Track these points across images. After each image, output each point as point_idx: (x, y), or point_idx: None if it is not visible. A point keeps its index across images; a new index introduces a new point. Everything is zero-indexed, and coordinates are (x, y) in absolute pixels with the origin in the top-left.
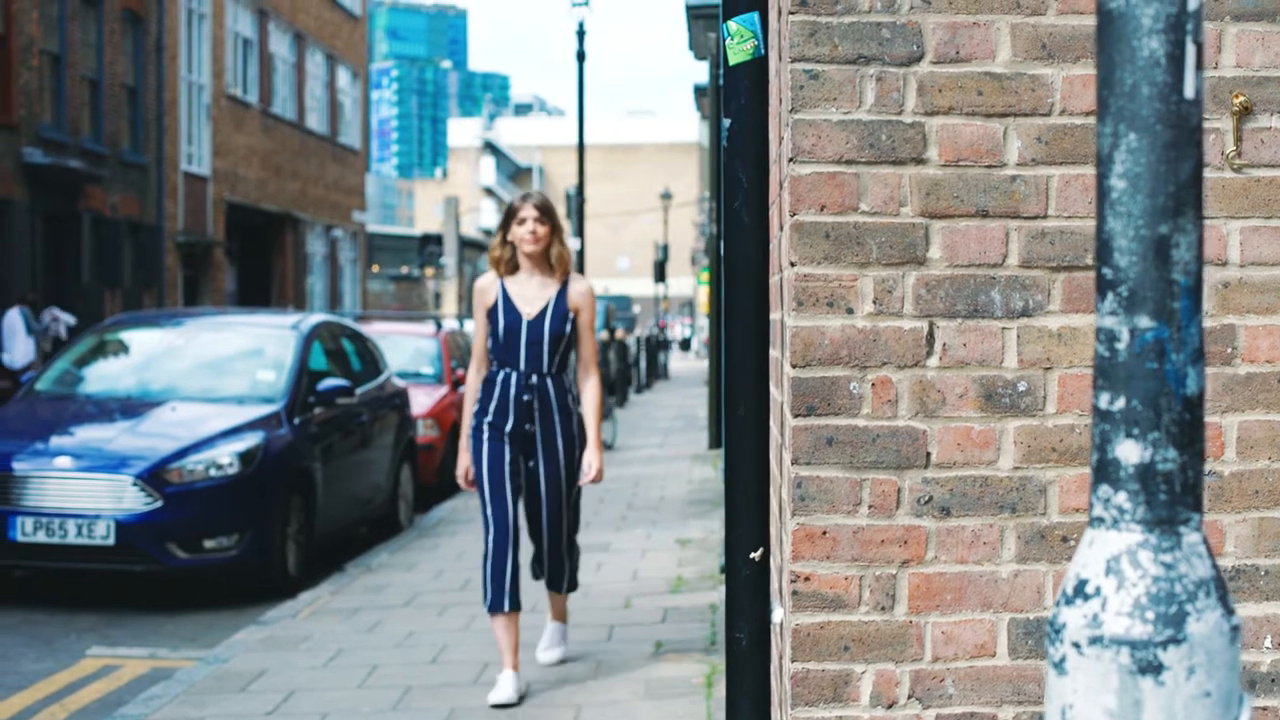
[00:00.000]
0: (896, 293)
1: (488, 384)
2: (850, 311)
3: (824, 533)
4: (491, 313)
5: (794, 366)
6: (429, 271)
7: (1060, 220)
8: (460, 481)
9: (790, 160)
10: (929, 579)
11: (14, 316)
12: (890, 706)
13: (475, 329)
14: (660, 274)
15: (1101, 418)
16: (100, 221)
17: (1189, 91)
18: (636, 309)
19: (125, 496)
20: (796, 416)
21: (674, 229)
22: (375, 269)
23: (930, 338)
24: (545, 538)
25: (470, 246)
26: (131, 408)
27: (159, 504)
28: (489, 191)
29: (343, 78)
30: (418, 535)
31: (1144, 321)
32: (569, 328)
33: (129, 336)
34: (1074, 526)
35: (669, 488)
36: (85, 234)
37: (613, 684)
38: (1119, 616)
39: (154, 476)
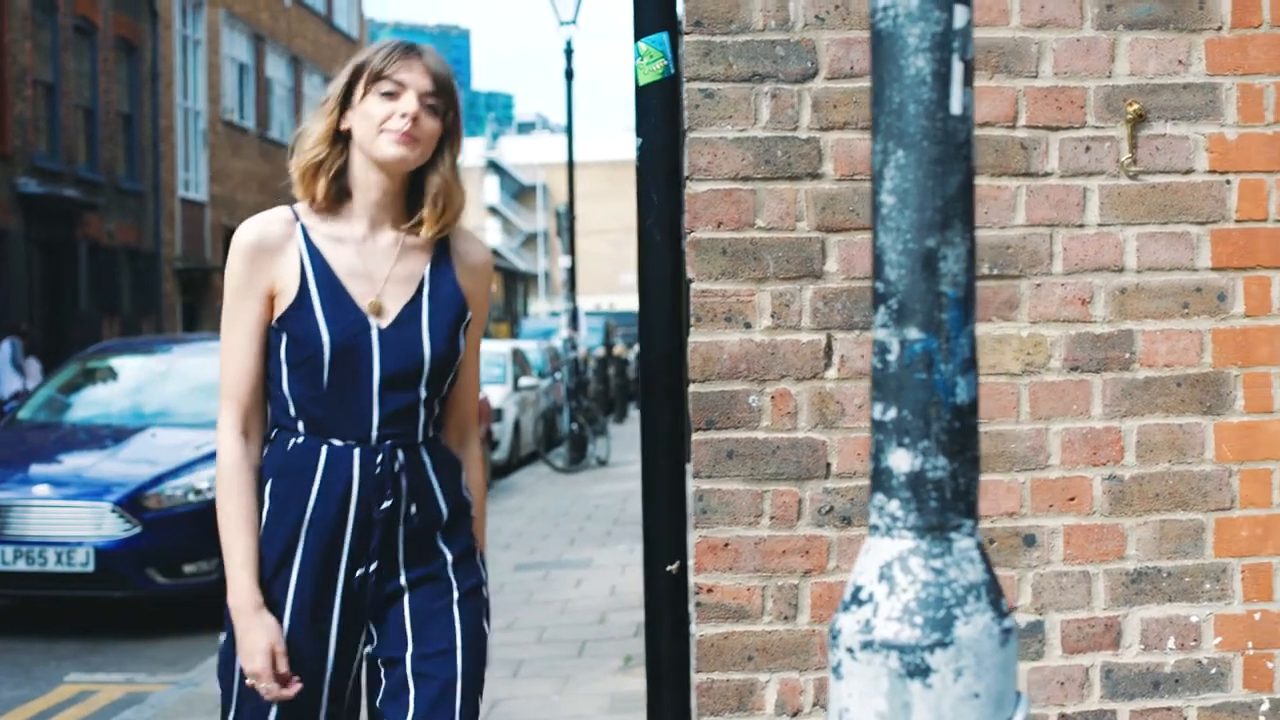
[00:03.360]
0: (794, 306)
1: (287, 474)
2: (748, 326)
3: (726, 544)
4: (291, 311)
5: (693, 381)
6: None
7: None
8: (259, 683)
9: (687, 178)
10: (831, 588)
11: (4, 348)
12: (795, 715)
13: (229, 341)
14: None
15: (876, 428)
16: (97, 249)
17: (956, 108)
18: None
19: (104, 523)
20: (697, 430)
21: None
22: None
23: (829, 349)
24: None
25: None
26: (112, 434)
27: (138, 530)
28: (493, 210)
29: None
30: None
31: (913, 333)
32: (461, 341)
33: (112, 363)
34: None
35: None
36: (82, 262)
37: (578, 698)
38: (889, 621)
39: (132, 503)
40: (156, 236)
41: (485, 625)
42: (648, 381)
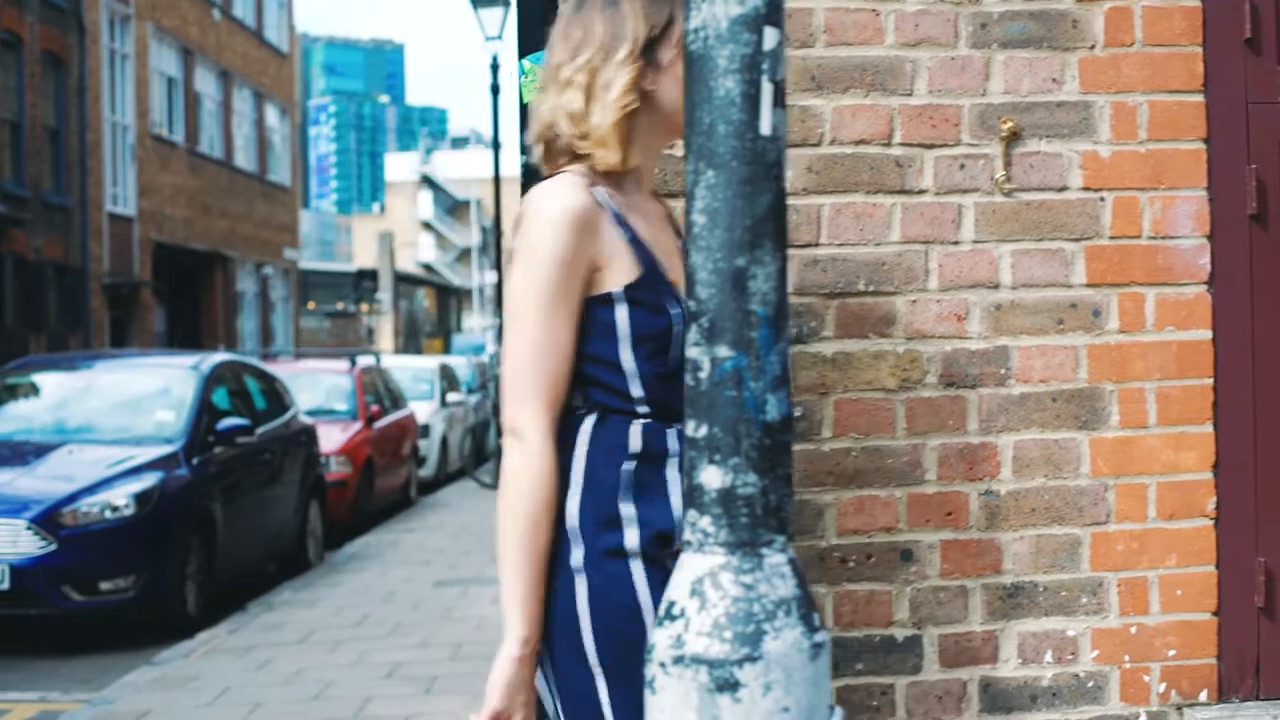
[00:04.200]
0: None
1: (647, 459)
2: None
3: None
4: (641, 280)
5: None
6: (364, 307)
7: (832, 248)
8: None
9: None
10: None
11: None
12: None
13: (542, 334)
14: None
15: (690, 445)
16: (23, 265)
17: (765, 129)
18: None
19: (20, 541)
20: None
21: None
22: (311, 305)
23: None
24: None
25: (406, 281)
26: (30, 451)
27: (54, 547)
28: (427, 225)
29: (271, 115)
30: (325, 572)
31: (723, 351)
32: None
33: (34, 379)
34: (852, 549)
35: None
36: (8, 277)
37: None
38: (699, 636)
39: (48, 520)
40: (84, 252)
41: None
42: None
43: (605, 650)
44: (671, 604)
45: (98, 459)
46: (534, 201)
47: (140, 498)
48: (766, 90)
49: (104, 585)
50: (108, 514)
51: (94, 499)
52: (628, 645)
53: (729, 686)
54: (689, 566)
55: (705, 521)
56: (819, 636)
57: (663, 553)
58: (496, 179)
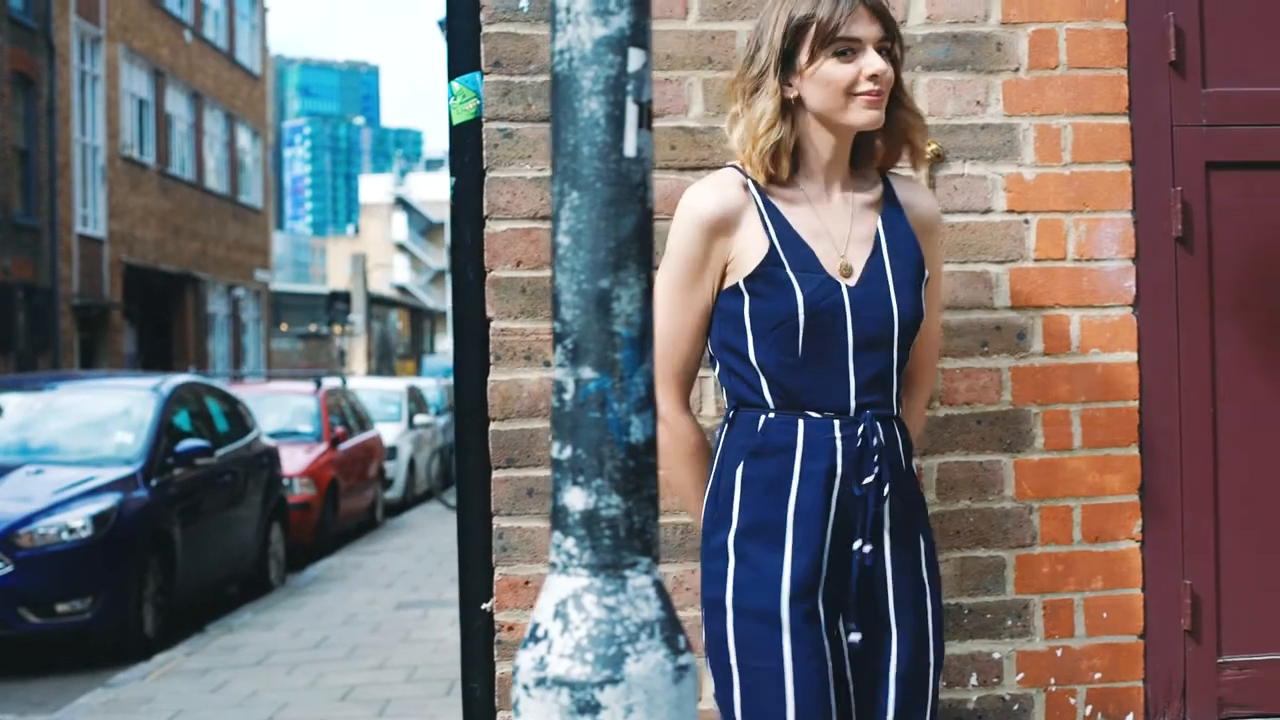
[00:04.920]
0: None
1: (764, 455)
2: (548, 364)
3: (526, 583)
4: (760, 273)
5: (493, 420)
6: (337, 329)
7: None
8: None
9: (486, 217)
10: None
11: None
12: None
13: (674, 323)
14: None
15: (555, 466)
16: None
17: (630, 150)
18: None
19: None
20: (497, 469)
21: None
22: (284, 327)
23: None
24: None
25: (379, 303)
26: None
27: (9, 569)
28: (401, 247)
29: (243, 136)
30: (287, 594)
31: (587, 373)
32: (924, 298)
33: None
34: None
35: None
36: None
37: None
38: (561, 658)
39: (5, 541)
40: (53, 273)
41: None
42: (462, 420)
43: (707, 641)
44: (535, 625)
45: (56, 480)
46: (683, 199)
47: (98, 519)
48: (631, 112)
49: (61, 607)
50: (65, 535)
51: (51, 520)
52: (713, 638)
53: (590, 709)
54: (553, 588)
55: (569, 543)
56: (683, 659)
57: (752, 546)
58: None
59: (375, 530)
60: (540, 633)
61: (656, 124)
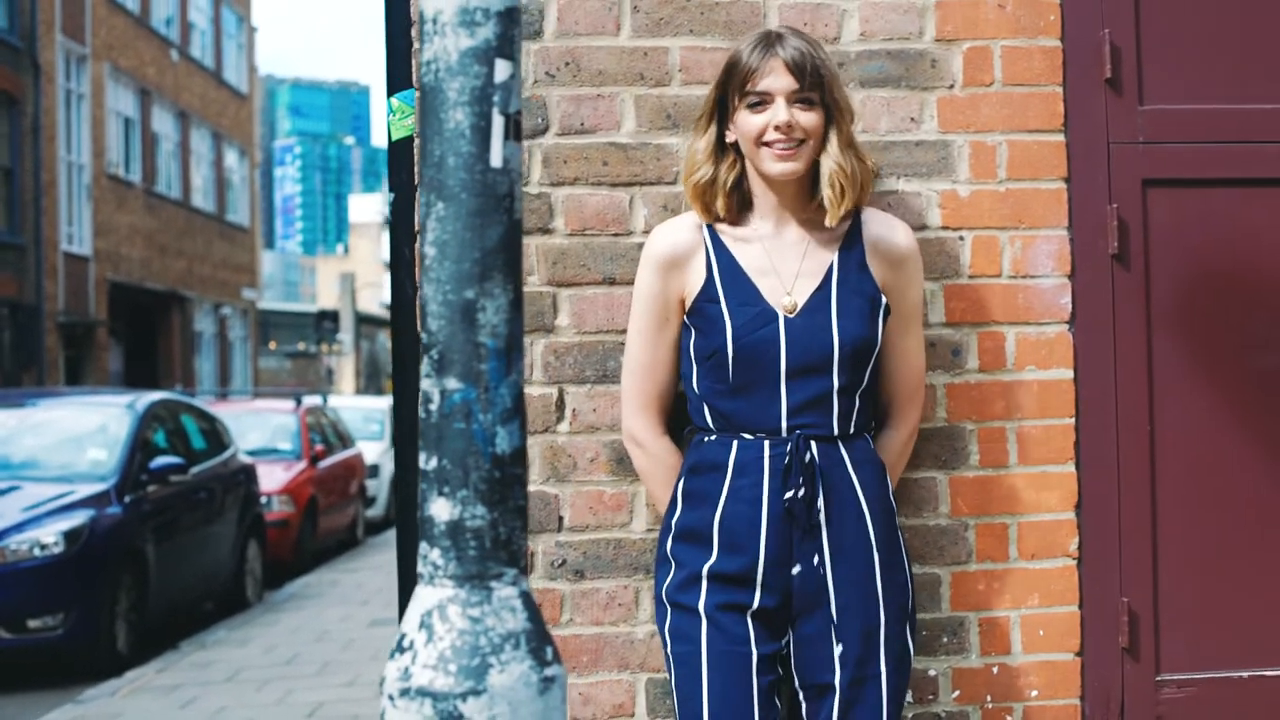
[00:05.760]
0: (526, 360)
1: (699, 471)
2: None
3: None
4: (698, 305)
5: None
6: (325, 348)
7: None
8: None
9: (419, 232)
10: (565, 641)
11: None
12: None
13: (647, 358)
14: None
15: (421, 477)
16: None
17: (496, 161)
18: None
19: None
20: None
21: None
22: (272, 346)
23: (560, 403)
24: None
25: (368, 322)
26: None
27: None
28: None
29: (230, 156)
30: (262, 611)
31: (452, 383)
32: (879, 324)
33: None
34: None
35: None
36: None
37: None
38: (425, 669)
39: None
40: (38, 290)
41: (910, 647)
42: (402, 437)
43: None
44: (402, 636)
45: (28, 496)
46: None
47: (70, 535)
48: (498, 123)
49: (32, 623)
50: (36, 551)
51: (22, 536)
52: (659, 633)
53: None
54: (420, 599)
55: (435, 554)
56: (550, 670)
57: (683, 549)
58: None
59: (356, 548)
60: (406, 643)
61: (589, 139)
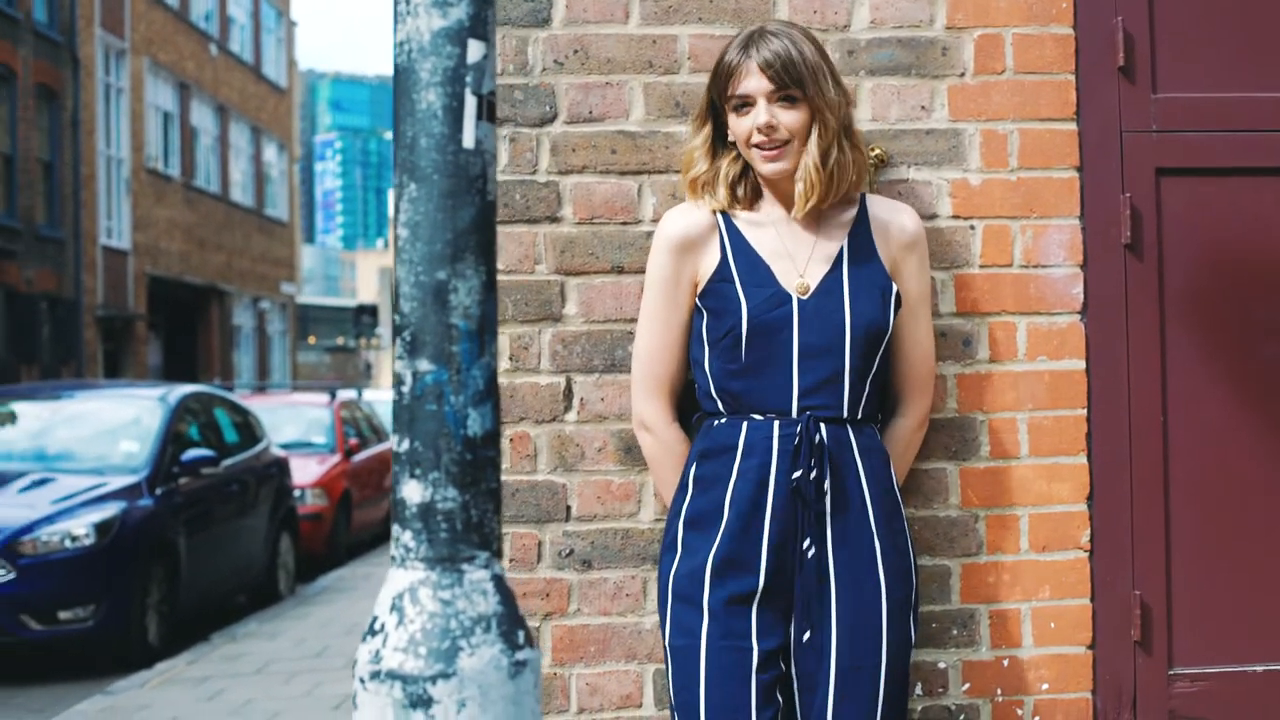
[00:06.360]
0: (533, 349)
1: (710, 455)
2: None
3: None
4: (711, 287)
5: None
6: (364, 342)
7: None
8: None
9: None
10: (572, 631)
11: None
12: None
13: (658, 341)
14: None
15: (395, 460)
16: (15, 296)
17: (468, 141)
18: None
19: None
20: None
21: None
22: (312, 340)
23: (568, 392)
24: None
25: None
26: None
27: (12, 576)
28: None
29: (269, 150)
30: (294, 604)
31: (424, 365)
32: (891, 309)
33: (13, 408)
34: None
35: None
36: (0, 309)
37: None
38: (395, 652)
39: (7, 549)
40: (77, 284)
41: (912, 638)
42: None
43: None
44: (374, 619)
45: (60, 488)
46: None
47: (101, 527)
48: (470, 103)
49: (63, 614)
50: (68, 543)
51: (54, 528)
52: (661, 622)
53: (422, 703)
54: (392, 581)
55: (407, 536)
56: (522, 654)
57: (692, 535)
58: None
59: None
60: (377, 626)
61: (598, 128)
